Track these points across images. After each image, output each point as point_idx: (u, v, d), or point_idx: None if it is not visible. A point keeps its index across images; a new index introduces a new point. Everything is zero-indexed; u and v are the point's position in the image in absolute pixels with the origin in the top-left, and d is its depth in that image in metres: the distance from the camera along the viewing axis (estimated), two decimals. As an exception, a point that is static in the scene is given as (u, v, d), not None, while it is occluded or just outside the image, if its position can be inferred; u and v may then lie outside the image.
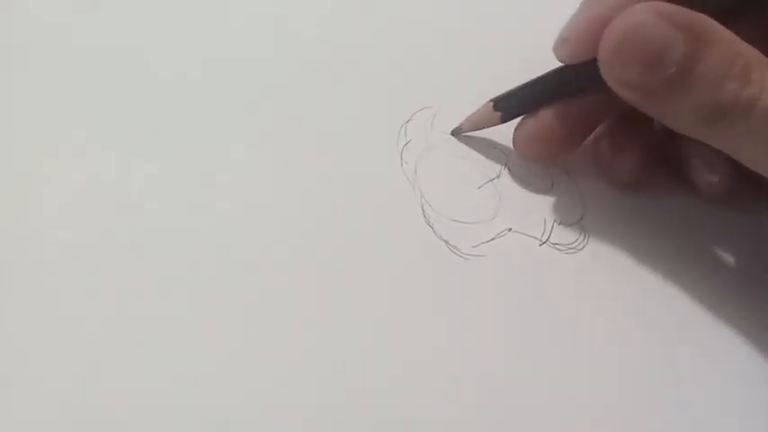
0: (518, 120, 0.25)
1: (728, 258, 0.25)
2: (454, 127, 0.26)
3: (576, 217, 0.25)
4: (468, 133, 0.26)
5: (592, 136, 0.26)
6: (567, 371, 0.22)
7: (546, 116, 0.24)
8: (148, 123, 0.25)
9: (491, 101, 0.25)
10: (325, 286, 0.22)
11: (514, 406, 0.21)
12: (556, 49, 0.24)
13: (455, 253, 0.23)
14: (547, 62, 0.24)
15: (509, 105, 0.25)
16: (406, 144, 0.25)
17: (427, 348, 0.21)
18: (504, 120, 0.25)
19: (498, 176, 0.25)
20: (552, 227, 0.24)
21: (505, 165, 0.25)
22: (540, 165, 0.25)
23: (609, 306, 0.23)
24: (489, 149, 0.26)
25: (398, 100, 0.26)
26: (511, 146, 0.25)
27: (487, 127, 0.25)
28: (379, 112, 0.26)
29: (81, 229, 0.22)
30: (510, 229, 0.24)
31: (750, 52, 0.20)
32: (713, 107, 0.20)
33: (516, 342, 0.22)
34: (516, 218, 0.24)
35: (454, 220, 0.24)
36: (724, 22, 0.20)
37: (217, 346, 0.21)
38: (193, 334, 0.21)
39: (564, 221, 0.25)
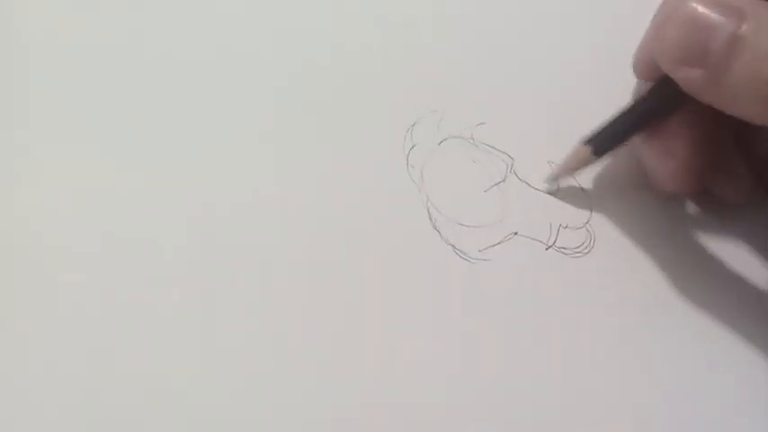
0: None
1: (739, 265, 0.25)
2: (546, 177, 0.25)
3: (582, 221, 0.25)
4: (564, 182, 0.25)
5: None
6: (574, 374, 0.22)
7: (684, 151, 0.23)
8: (148, 123, 0.25)
9: (586, 143, 0.24)
10: (330, 291, 0.22)
11: (522, 410, 0.21)
12: (634, 67, 0.23)
13: (461, 257, 0.23)
14: (550, 64, 0.24)
15: (603, 143, 0.24)
16: (412, 148, 0.25)
17: (433, 352, 0.21)
18: (599, 157, 0.24)
19: (504, 180, 0.25)
20: (558, 231, 0.24)
21: (511, 168, 0.25)
22: (547, 168, 0.25)
23: (615, 310, 0.23)
24: (495, 153, 0.26)
25: (404, 103, 0.26)
26: (516, 150, 0.25)
27: (584, 167, 0.24)
28: (384, 116, 0.26)
29: (79, 229, 0.22)
30: (516, 233, 0.24)
31: None
32: None
33: (523, 346, 0.22)
34: (522, 222, 0.24)
35: (460, 224, 0.24)
36: None
37: (218, 347, 0.21)
38: (195, 334, 0.21)
39: (570, 225, 0.25)
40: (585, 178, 0.25)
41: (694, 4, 0.20)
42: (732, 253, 0.25)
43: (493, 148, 0.25)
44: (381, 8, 0.28)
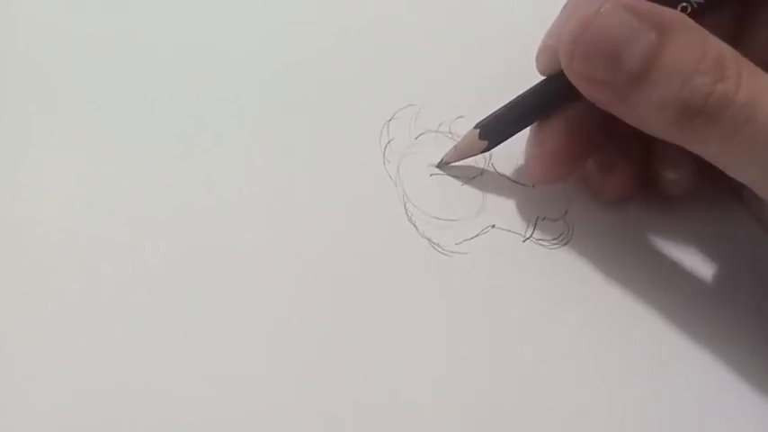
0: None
1: (711, 254, 0.25)
2: (438, 160, 0.25)
3: (560, 212, 0.25)
4: (455, 164, 0.25)
5: None
6: (551, 367, 0.22)
7: (553, 142, 0.23)
8: (133, 122, 0.25)
9: (476, 127, 0.24)
10: (307, 285, 0.22)
11: (498, 403, 0.21)
12: (537, 59, 0.23)
13: (438, 251, 0.23)
14: (531, 60, 0.24)
15: (494, 130, 0.24)
16: (388, 143, 0.25)
17: (411, 347, 0.22)
18: (491, 147, 0.24)
19: (482, 173, 0.25)
20: (536, 223, 0.24)
21: (489, 161, 0.25)
22: (524, 161, 0.25)
23: (593, 301, 0.23)
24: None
25: (381, 98, 0.26)
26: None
27: (474, 155, 0.24)
28: (361, 111, 0.26)
29: (77, 228, 0.22)
30: (493, 226, 0.24)
31: (723, 47, 0.19)
32: (683, 104, 0.18)
33: (501, 338, 0.22)
34: (500, 214, 0.24)
35: (437, 218, 0.24)
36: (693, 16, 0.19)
37: (203, 346, 0.21)
38: (180, 333, 0.21)
39: (548, 217, 0.25)
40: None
41: (607, 14, 0.19)
42: (709, 244, 0.25)
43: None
44: (358, 4, 0.28)
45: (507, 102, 0.24)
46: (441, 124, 0.26)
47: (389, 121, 0.26)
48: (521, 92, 0.23)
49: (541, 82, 0.23)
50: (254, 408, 0.20)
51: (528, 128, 0.24)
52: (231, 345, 0.21)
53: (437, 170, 0.25)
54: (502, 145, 0.24)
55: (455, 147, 0.25)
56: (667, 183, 0.24)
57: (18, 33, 0.27)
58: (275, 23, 0.28)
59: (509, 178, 0.25)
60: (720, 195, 0.26)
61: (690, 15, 0.20)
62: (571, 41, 0.20)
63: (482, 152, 0.24)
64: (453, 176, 0.25)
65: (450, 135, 0.26)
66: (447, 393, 0.21)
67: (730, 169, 0.19)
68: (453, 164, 0.25)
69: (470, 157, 0.25)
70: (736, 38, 0.22)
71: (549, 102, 0.23)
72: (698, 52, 0.18)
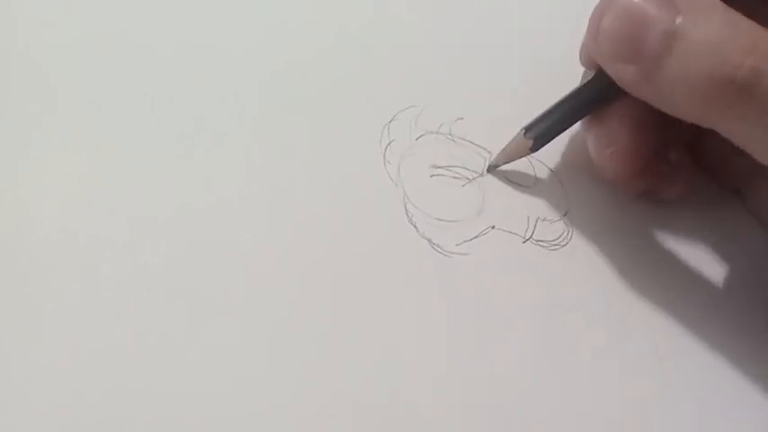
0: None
1: (712, 253, 0.25)
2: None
3: (559, 213, 0.25)
4: (503, 167, 0.25)
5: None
6: (551, 367, 0.22)
7: (623, 136, 0.22)
8: (139, 123, 0.25)
9: (523, 129, 0.24)
10: (306, 285, 0.22)
11: (498, 403, 0.21)
12: (581, 56, 0.23)
13: (438, 251, 0.23)
14: (531, 60, 0.24)
15: (541, 133, 0.24)
16: (389, 144, 0.25)
17: (411, 347, 0.22)
18: (537, 148, 0.24)
19: (482, 174, 0.25)
20: (536, 224, 0.24)
21: (489, 163, 0.25)
22: (524, 162, 0.25)
23: (593, 302, 0.23)
24: (473, 148, 0.26)
25: (382, 99, 0.26)
26: (494, 145, 0.25)
27: (521, 157, 0.25)
28: (362, 112, 0.26)
29: (77, 228, 0.22)
30: (493, 227, 0.24)
31: (754, 25, 0.18)
32: (711, 78, 0.18)
33: (501, 339, 0.22)
34: (500, 215, 0.24)
35: (437, 219, 0.24)
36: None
37: (204, 345, 0.21)
38: (180, 333, 0.21)
39: (548, 218, 0.25)
40: (563, 171, 0.25)
41: None
42: (710, 244, 0.25)
43: (471, 142, 0.25)
44: (358, 4, 0.28)
45: (552, 104, 0.24)
46: (441, 125, 0.26)
47: (390, 122, 0.26)
48: (520, 93, 0.24)
49: (584, 81, 0.23)
50: (255, 408, 0.20)
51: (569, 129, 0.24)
52: (231, 345, 0.21)
53: (438, 171, 0.25)
54: (502, 147, 0.25)
55: (503, 150, 0.25)
56: (667, 187, 0.25)
57: (18, 33, 0.27)
58: (275, 23, 0.28)
59: (509, 179, 0.25)
60: (721, 194, 0.26)
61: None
62: (595, 23, 0.20)
63: (529, 153, 0.24)
64: (454, 177, 0.25)
65: (450, 136, 0.26)
66: (447, 394, 0.21)
67: (760, 151, 0.19)
68: (502, 167, 0.25)
69: (518, 158, 0.25)
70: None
71: (593, 99, 0.23)
72: (725, 29, 0.18)
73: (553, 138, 0.24)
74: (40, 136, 0.24)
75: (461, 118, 0.26)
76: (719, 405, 0.22)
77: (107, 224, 0.23)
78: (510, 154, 0.25)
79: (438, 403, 0.21)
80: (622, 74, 0.20)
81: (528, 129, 0.24)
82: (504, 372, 0.22)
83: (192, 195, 0.23)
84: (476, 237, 0.24)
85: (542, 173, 0.25)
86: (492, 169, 0.25)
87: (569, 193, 0.25)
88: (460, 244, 0.24)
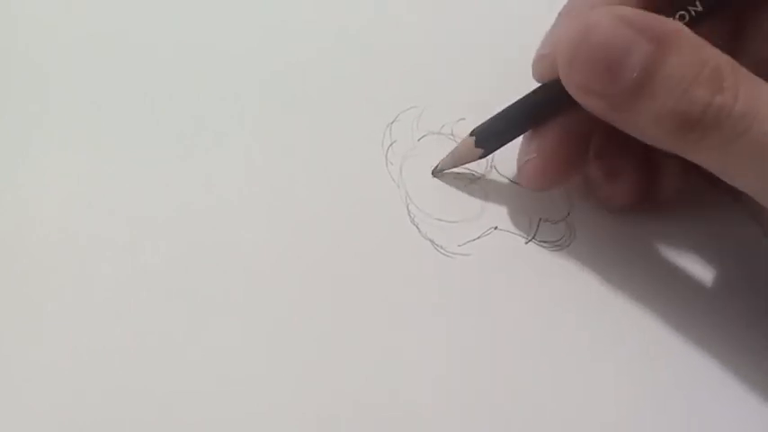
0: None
1: (712, 256, 0.25)
2: (433, 167, 0.25)
3: (562, 214, 0.25)
4: (451, 170, 0.25)
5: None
6: (552, 368, 0.22)
7: (547, 149, 0.23)
8: (139, 123, 0.25)
9: (471, 134, 0.24)
10: (307, 285, 0.22)
11: (498, 404, 0.21)
12: (533, 67, 0.23)
13: (441, 252, 0.23)
14: (528, 62, 0.24)
15: (488, 137, 0.24)
16: (391, 144, 0.25)
17: (412, 348, 0.21)
18: (486, 154, 0.24)
19: (484, 175, 0.25)
20: (538, 224, 0.24)
21: (491, 164, 0.25)
22: (517, 166, 0.25)
23: (595, 303, 0.23)
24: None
25: (383, 100, 0.26)
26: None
27: (469, 162, 0.24)
28: (363, 112, 0.26)
29: (77, 228, 0.22)
30: (496, 228, 0.24)
31: (721, 58, 0.19)
32: (681, 116, 0.18)
33: (502, 340, 0.22)
34: (502, 216, 0.24)
35: (440, 220, 0.24)
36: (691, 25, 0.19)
37: (204, 345, 0.21)
38: (180, 333, 0.21)
39: (550, 219, 0.25)
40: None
41: (605, 26, 0.19)
42: (711, 246, 0.25)
43: (473, 143, 0.26)
44: (359, 4, 0.28)
45: (502, 109, 0.24)
46: (443, 126, 0.26)
47: (392, 122, 0.26)
48: (521, 94, 0.23)
49: (537, 89, 0.23)
50: (255, 408, 0.20)
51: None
52: (231, 345, 0.21)
53: (439, 172, 0.25)
54: (504, 147, 0.24)
55: (451, 153, 0.25)
56: (665, 191, 0.24)
57: (18, 33, 0.27)
58: (275, 23, 0.28)
59: (511, 180, 0.25)
60: (721, 199, 0.26)
61: (688, 24, 0.20)
62: (569, 53, 0.20)
63: (478, 159, 0.24)
64: (456, 178, 0.25)
65: (452, 137, 0.26)
66: (447, 394, 0.21)
67: (729, 178, 0.20)
68: (449, 171, 0.25)
69: (467, 163, 0.25)
70: (734, 40, 0.22)
71: (544, 109, 0.23)
72: (696, 64, 0.18)
73: (502, 145, 0.24)
74: (40, 136, 0.24)
75: (463, 118, 0.26)
76: (721, 407, 0.22)
77: (107, 224, 0.22)
78: (458, 158, 0.25)
79: (438, 403, 0.21)
80: (593, 105, 0.20)
81: (477, 134, 0.24)
82: (506, 372, 0.22)
83: (191, 195, 0.23)
84: (478, 237, 0.24)
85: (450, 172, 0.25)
86: (437, 173, 0.25)
87: (572, 193, 0.25)
88: (463, 245, 0.24)
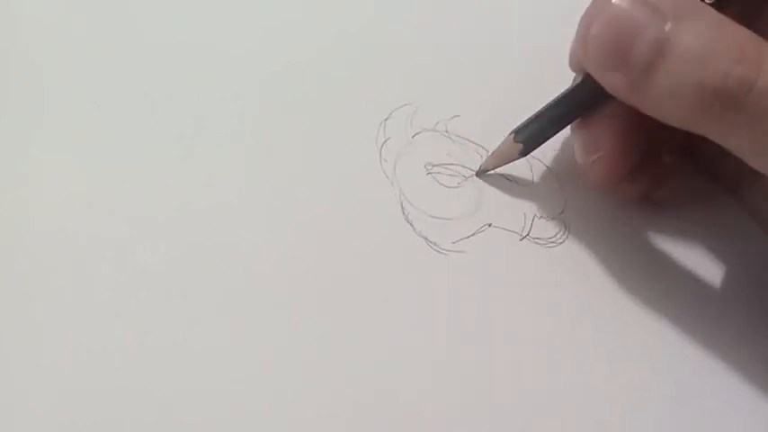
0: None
1: (708, 252, 0.25)
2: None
3: (556, 211, 0.25)
4: (493, 171, 0.25)
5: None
6: (548, 365, 0.22)
7: (609, 142, 0.22)
8: (139, 123, 0.25)
9: (512, 133, 0.24)
10: (303, 284, 0.22)
11: (495, 401, 0.21)
12: (570, 60, 0.23)
13: (435, 249, 0.23)
14: (527, 58, 0.24)
15: (530, 136, 0.24)
16: (385, 142, 0.25)
17: (407, 345, 0.22)
18: (527, 152, 0.24)
19: (475, 175, 0.25)
20: (533, 221, 0.24)
21: (480, 167, 0.25)
22: (521, 160, 0.25)
23: (589, 299, 0.23)
24: (469, 145, 0.26)
25: (378, 97, 0.26)
26: (491, 142, 0.25)
27: (511, 161, 0.24)
28: (357, 110, 0.26)
29: (77, 228, 0.22)
30: (490, 225, 0.24)
31: (741, 31, 0.18)
32: (699, 88, 0.18)
33: (498, 337, 0.22)
34: (496, 213, 0.24)
35: (434, 217, 0.24)
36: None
37: (204, 345, 0.21)
38: (177, 333, 0.21)
39: (544, 215, 0.25)
40: (560, 169, 0.25)
41: (618, 3, 0.19)
42: (707, 241, 0.25)
43: (467, 140, 0.25)
44: (356, 4, 0.28)
45: (541, 107, 0.23)
46: (437, 123, 0.26)
47: (386, 120, 0.26)
48: (516, 91, 0.23)
49: (574, 84, 0.23)
50: (254, 408, 0.20)
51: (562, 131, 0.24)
52: (230, 345, 0.21)
53: (434, 169, 0.25)
54: (492, 141, 0.25)
55: (492, 153, 0.25)
56: (657, 188, 0.24)
57: (18, 33, 0.27)
58: (275, 23, 0.28)
59: (505, 177, 0.25)
60: (717, 193, 0.25)
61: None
62: (584, 29, 0.20)
63: (519, 157, 0.24)
64: (450, 175, 0.25)
65: (446, 134, 0.26)
66: (442, 391, 0.21)
67: (751, 159, 0.19)
68: (492, 172, 0.25)
69: (508, 162, 0.25)
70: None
71: (583, 103, 0.23)
72: (714, 36, 0.18)
73: (543, 141, 0.24)
74: (40, 136, 0.24)
75: (457, 115, 0.26)
76: (717, 404, 0.22)
77: (107, 224, 0.23)
78: (500, 158, 0.25)
79: (435, 401, 0.21)
80: (611, 82, 0.20)
81: (518, 132, 0.24)
82: (501, 370, 0.22)
83: (191, 195, 0.24)
84: (472, 234, 0.24)
85: (539, 170, 0.25)
86: (481, 174, 0.25)
87: (566, 190, 0.25)
88: (457, 242, 0.24)
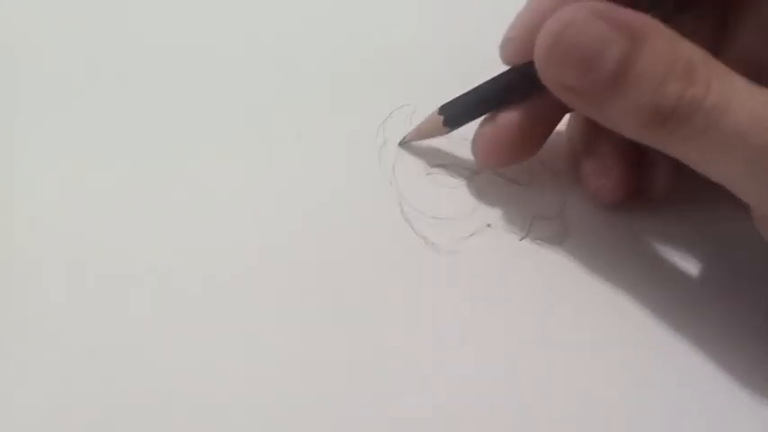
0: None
1: (707, 252, 0.25)
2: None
3: (555, 211, 0.25)
4: (414, 142, 0.25)
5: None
6: (547, 365, 0.22)
7: (504, 122, 0.23)
8: (139, 123, 0.25)
9: (438, 109, 0.24)
10: (302, 285, 0.22)
11: (494, 401, 0.21)
12: (501, 49, 0.23)
13: (434, 250, 0.23)
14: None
15: (455, 113, 0.24)
16: (384, 142, 0.25)
17: (406, 345, 0.22)
18: (451, 129, 0.24)
19: (477, 172, 0.25)
20: (532, 222, 0.24)
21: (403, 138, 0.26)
22: (472, 143, 0.25)
23: (589, 300, 0.23)
24: (468, 146, 0.26)
25: (377, 98, 0.26)
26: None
27: (435, 136, 0.25)
28: (357, 111, 0.26)
29: (75, 229, 0.22)
30: (489, 225, 0.24)
31: (694, 51, 0.19)
32: (654, 110, 0.19)
33: (497, 337, 0.22)
34: (496, 213, 0.24)
35: (433, 217, 0.24)
36: (667, 20, 0.19)
37: (203, 346, 0.21)
38: (178, 336, 0.21)
39: (543, 216, 0.25)
40: (559, 169, 0.25)
41: (581, 21, 0.19)
42: (705, 242, 0.25)
43: (466, 140, 0.25)
44: (355, 5, 0.28)
45: (472, 87, 0.24)
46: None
47: (385, 120, 0.26)
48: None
49: (508, 71, 0.23)
50: (254, 408, 0.20)
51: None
52: (229, 345, 0.21)
53: (433, 170, 0.25)
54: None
55: (417, 127, 0.25)
56: (657, 188, 0.25)
57: (18, 34, 0.27)
58: (275, 24, 0.28)
59: (505, 177, 0.25)
60: (717, 194, 0.25)
61: (663, 18, 0.20)
62: (545, 50, 0.20)
63: (444, 134, 0.25)
64: (449, 175, 0.25)
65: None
66: (440, 392, 0.21)
67: (704, 170, 0.20)
68: (413, 142, 0.26)
69: (432, 137, 0.25)
70: (718, 38, 0.22)
71: (512, 90, 0.23)
72: (669, 59, 0.19)
73: (467, 120, 0.24)
74: (40, 137, 0.24)
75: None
76: (716, 405, 0.22)
77: (105, 225, 0.23)
78: (423, 132, 0.25)
79: (434, 401, 0.21)
80: (571, 99, 0.21)
81: (443, 107, 0.24)
82: (500, 370, 0.22)
83: (191, 195, 0.24)
84: (471, 235, 0.24)
85: (538, 171, 0.25)
86: (403, 143, 0.25)
87: (565, 190, 0.25)
88: (456, 242, 0.24)
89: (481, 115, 0.24)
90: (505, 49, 0.23)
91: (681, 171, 0.23)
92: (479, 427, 0.21)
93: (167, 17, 0.28)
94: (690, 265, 0.24)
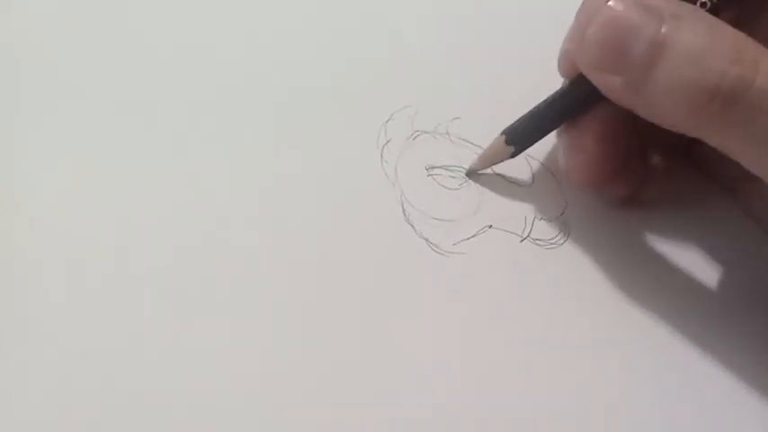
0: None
1: (708, 253, 0.25)
2: (467, 168, 0.25)
3: (557, 212, 0.25)
4: (482, 171, 0.25)
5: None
6: (549, 366, 0.22)
7: (594, 145, 0.22)
8: (137, 124, 0.25)
9: (502, 134, 0.24)
10: (304, 286, 0.22)
11: (495, 402, 0.21)
12: (559, 63, 0.23)
13: (435, 251, 0.23)
14: (527, 59, 0.24)
15: (521, 136, 0.24)
16: (386, 143, 0.25)
17: (407, 346, 0.22)
18: (517, 153, 0.24)
19: (479, 174, 0.25)
20: (533, 222, 0.24)
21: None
22: (521, 160, 0.25)
23: (590, 301, 0.23)
24: (470, 147, 0.26)
25: (378, 99, 0.26)
26: (489, 144, 0.25)
27: (501, 161, 0.24)
28: (359, 112, 0.26)
29: (72, 230, 0.22)
30: (491, 226, 0.24)
31: (738, 33, 0.18)
32: (696, 87, 0.18)
33: (498, 339, 0.22)
34: (497, 214, 0.24)
35: (434, 218, 0.24)
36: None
37: (202, 346, 0.21)
38: (175, 335, 0.21)
39: (545, 217, 0.25)
40: (559, 169, 0.25)
41: (614, 5, 0.19)
42: (707, 242, 0.25)
43: (467, 142, 0.26)
44: (356, 5, 0.29)
45: (532, 107, 0.24)
46: (438, 125, 0.26)
47: (387, 121, 0.26)
48: (517, 93, 0.24)
49: (565, 86, 0.23)
50: (254, 408, 0.20)
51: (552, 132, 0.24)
52: (229, 345, 0.21)
53: (435, 171, 0.25)
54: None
55: (481, 154, 0.25)
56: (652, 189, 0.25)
57: (18, 34, 0.27)
58: (275, 25, 0.28)
59: (506, 178, 0.25)
60: (717, 194, 0.26)
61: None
62: (580, 31, 0.20)
63: (509, 158, 0.24)
64: (451, 177, 0.25)
65: (447, 135, 0.26)
66: (444, 392, 0.21)
67: (748, 160, 0.19)
68: (482, 172, 0.25)
69: (497, 163, 0.25)
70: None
71: (574, 105, 0.23)
72: (710, 37, 0.18)
73: (532, 143, 0.24)
74: (38, 137, 0.24)
75: (458, 117, 0.26)
76: (718, 406, 0.22)
77: (102, 226, 0.23)
78: (488, 158, 0.25)
79: (435, 401, 0.21)
80: (608, 84, 0.20)
81: (507, 133, 0.24)
82: (501, 371, 0.22)
83: (189, 196, 0.24)
84: (473, 236, 0.24)
85: (539, 172, 0.25)
86: (471, 174, 0.25)
87: (566, 191, 0.25)
88: (458, 243, 0.24)
89: (546, 134, 0.24)
90: (563, 63, 0.23)
91: (674, 171, 0.23)
92: (479, 427, 0.21)
93: (167, 17, 0.28)
94: (691, 266, 0.24)
